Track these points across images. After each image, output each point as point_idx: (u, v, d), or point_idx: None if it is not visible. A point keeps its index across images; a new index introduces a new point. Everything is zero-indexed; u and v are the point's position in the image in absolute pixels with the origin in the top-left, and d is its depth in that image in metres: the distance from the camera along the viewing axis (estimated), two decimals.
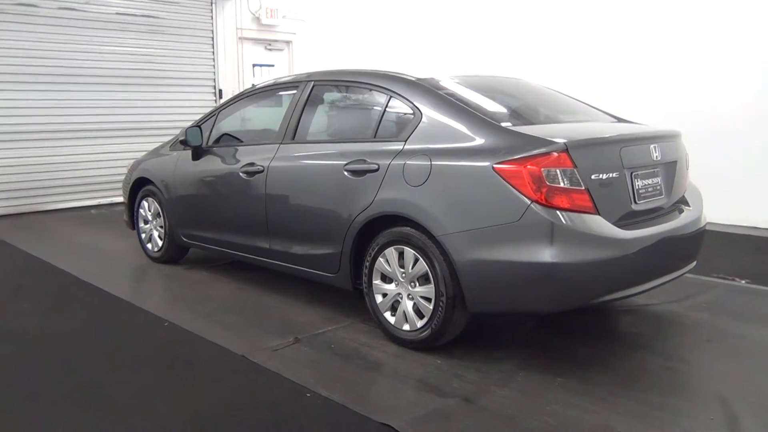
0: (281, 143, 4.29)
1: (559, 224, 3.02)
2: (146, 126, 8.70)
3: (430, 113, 3.56)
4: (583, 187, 3.12)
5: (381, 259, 3.62)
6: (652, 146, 3.52)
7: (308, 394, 3.03)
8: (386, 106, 3.80)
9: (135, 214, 5.69)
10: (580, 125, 3.88)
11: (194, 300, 4.52)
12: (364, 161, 3.69)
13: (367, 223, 3.66)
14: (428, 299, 3.42)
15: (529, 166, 3.08)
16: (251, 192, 4.38)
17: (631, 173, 3.37)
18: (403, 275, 3.52)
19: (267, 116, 4.93)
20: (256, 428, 2.74)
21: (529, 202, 3.05)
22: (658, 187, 3.55)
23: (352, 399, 2.97)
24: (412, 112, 3.64)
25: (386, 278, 3.64)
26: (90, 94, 8.27)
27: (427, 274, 3.40)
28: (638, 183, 3.40)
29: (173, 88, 9.03)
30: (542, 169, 3.07)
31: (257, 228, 4.38)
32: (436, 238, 3.30)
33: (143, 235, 5.63)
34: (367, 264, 3.69)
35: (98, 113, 8.36)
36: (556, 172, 3.08)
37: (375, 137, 3.79)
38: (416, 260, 3.44)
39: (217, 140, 4.96)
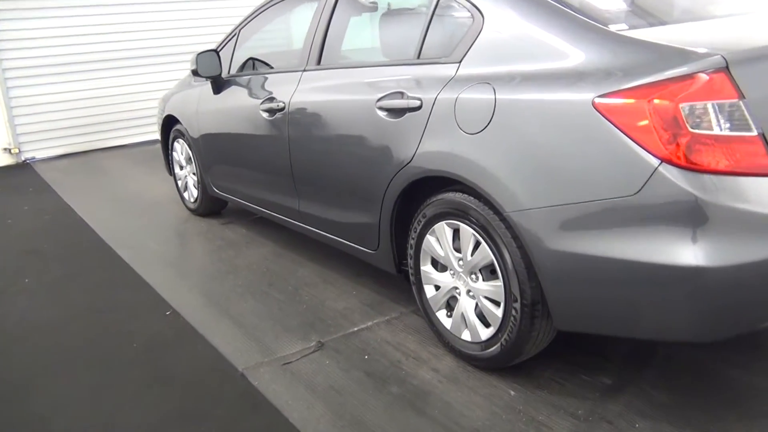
0: (304, 70, 3.17)
1: (710, 199, 1.76)
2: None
3: (496, 16, 2.29)
4: (756, 133, 1.80)
5: (430, 237, 2.51)
6: None
7: None
8: (434, 8, 2.56)
9: (170, 157, 4.85)
10: (745, 22, 2.43)
11: (216, 274, 3.63)
12: (403, 94, 2.51)
13: (409, 184, 2.53)
14: (496, 303, 2.29)
15: (656, 100, 1.80)
16: (273, 136, 3.34)
17: None
18: (460, 263, 2.40)
19: (297, 33, 3.79)
20: None
21: (656, 162, 1.79)
22: None
23: None
24: (470, 15, 2.38)
25: (439, 264, 2.53)
26: (146, 15, 7.45)
27: (492, 264, 2.26)
28: None
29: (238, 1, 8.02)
30: (681, 104, 1.78)
31: (284, 183, 3.36)
32: (505, 216, 2.13)
33: (179, 183, 4.80)
34: (412, 242, 2.60)
35: (156, 36, 7.57)
36: (705, 107, 1.78)
37: (419, 58, 2.58)
38: (477, 244, 2.30)
39: (242, 67, 3.92)
